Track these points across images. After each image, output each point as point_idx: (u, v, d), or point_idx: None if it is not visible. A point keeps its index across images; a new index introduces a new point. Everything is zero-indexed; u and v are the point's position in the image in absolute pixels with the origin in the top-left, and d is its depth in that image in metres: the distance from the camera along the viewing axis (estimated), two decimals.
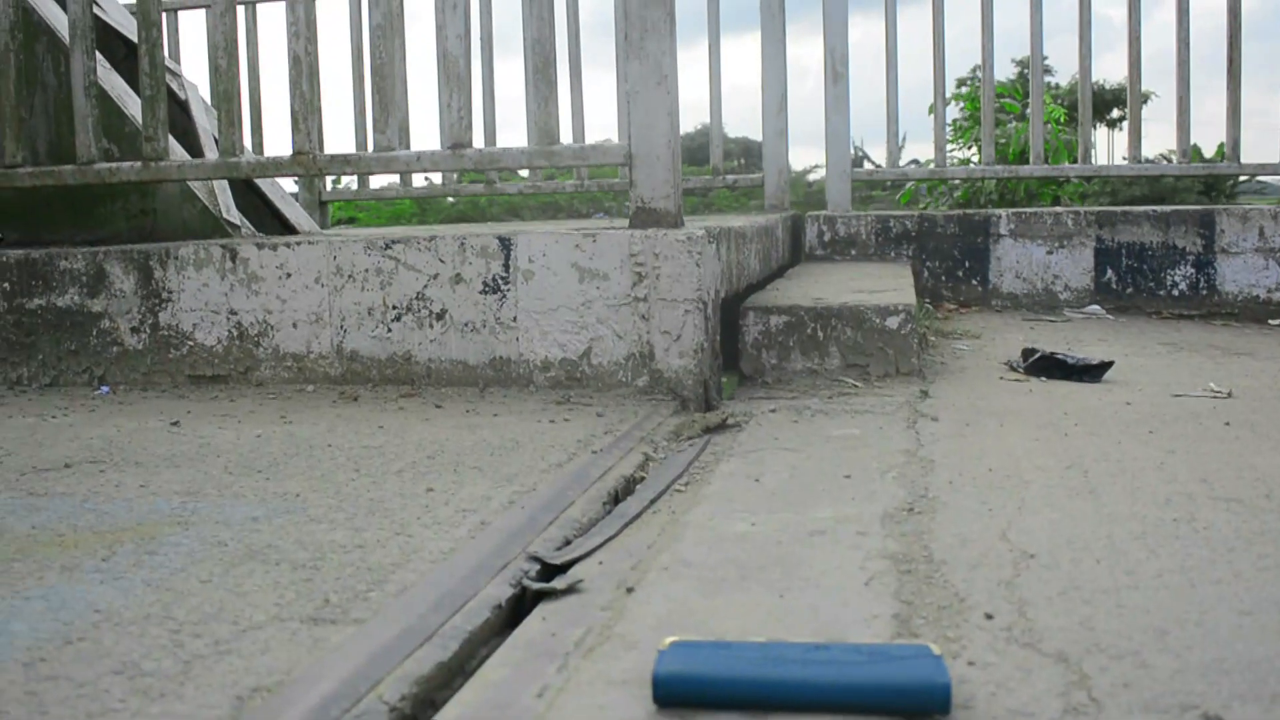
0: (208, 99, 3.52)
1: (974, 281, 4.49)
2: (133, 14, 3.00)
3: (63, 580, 1.32)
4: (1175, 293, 4.35)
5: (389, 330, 2.57)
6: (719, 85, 5.02)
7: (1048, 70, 48.94)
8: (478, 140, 3.05)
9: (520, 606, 1.26)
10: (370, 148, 2.68)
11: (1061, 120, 7.82)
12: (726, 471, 1.78)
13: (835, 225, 4.61)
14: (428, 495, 1.64)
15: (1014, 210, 4.51)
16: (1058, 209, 4.52)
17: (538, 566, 1.35)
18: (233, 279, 2.64)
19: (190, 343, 2.68)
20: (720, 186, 5.22)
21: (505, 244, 2.50)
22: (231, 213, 3.02)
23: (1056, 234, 4.40)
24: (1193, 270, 4.34)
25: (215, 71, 2.74)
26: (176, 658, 1.07)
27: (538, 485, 1.70)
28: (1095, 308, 4.34)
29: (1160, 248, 4.36)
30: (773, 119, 4.79)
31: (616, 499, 1.69)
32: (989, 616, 1.12)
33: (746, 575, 1.27)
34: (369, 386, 2.57)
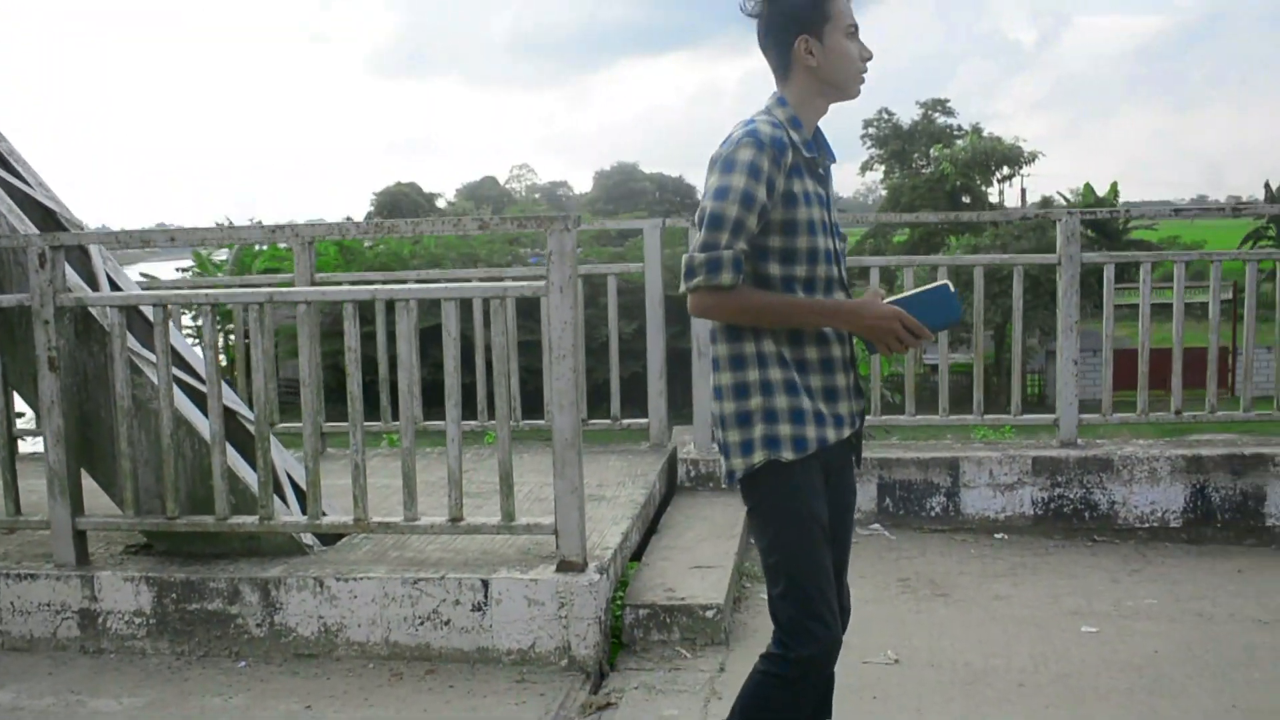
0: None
1: None
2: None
3: None
4: (933, 514, 6.32)
5: (417, 630, 4.42)
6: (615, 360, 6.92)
7: (948, 112, 49.30)
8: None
9: None
10: (402, 518, 4.52)
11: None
12: None
13: (699, 466, 6.54)
14: None
15: None
16: None
17: None
18: (321, 597, 4.47)
19: (294, 634, 4.50)
20: (618, 430, 7.09)
21: (485, 583, 4.35)
22: (308, 538, 4.84)
23: None
24: (944, 498, 6.32)
25: (307, 470, 4.57)
26: None
27: None
28: (877, 526, 6.30)
29: (923, 483, 6.34)
30: (656, 383, 6.70)
31: None
32: None
33: None
34: (404, 662, 4.41)
